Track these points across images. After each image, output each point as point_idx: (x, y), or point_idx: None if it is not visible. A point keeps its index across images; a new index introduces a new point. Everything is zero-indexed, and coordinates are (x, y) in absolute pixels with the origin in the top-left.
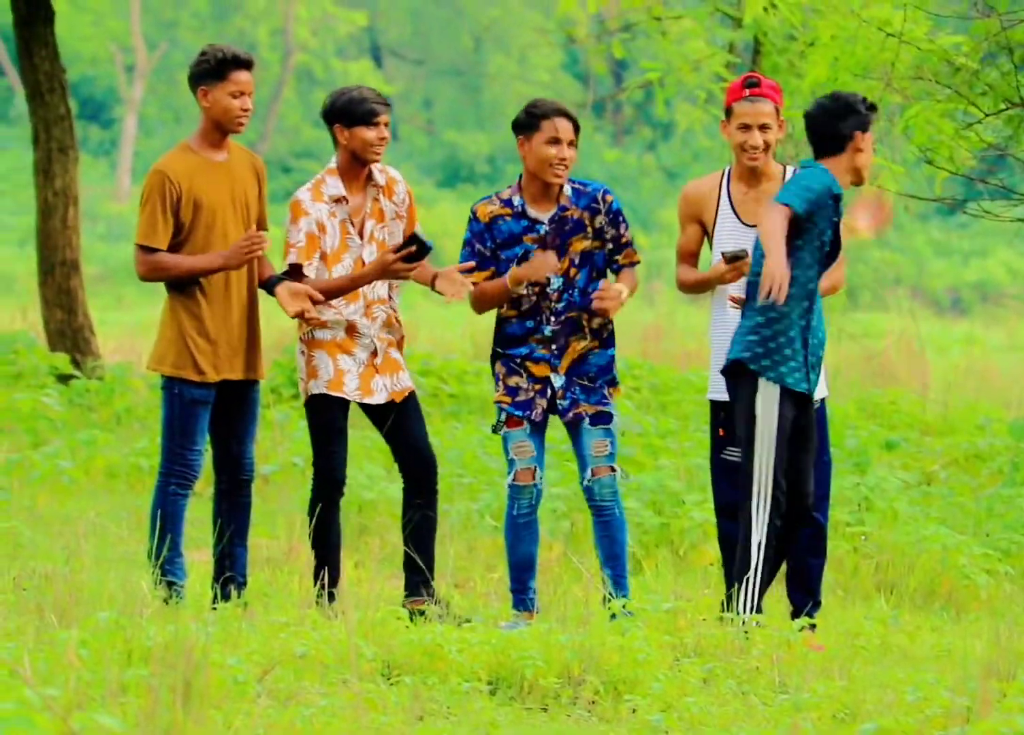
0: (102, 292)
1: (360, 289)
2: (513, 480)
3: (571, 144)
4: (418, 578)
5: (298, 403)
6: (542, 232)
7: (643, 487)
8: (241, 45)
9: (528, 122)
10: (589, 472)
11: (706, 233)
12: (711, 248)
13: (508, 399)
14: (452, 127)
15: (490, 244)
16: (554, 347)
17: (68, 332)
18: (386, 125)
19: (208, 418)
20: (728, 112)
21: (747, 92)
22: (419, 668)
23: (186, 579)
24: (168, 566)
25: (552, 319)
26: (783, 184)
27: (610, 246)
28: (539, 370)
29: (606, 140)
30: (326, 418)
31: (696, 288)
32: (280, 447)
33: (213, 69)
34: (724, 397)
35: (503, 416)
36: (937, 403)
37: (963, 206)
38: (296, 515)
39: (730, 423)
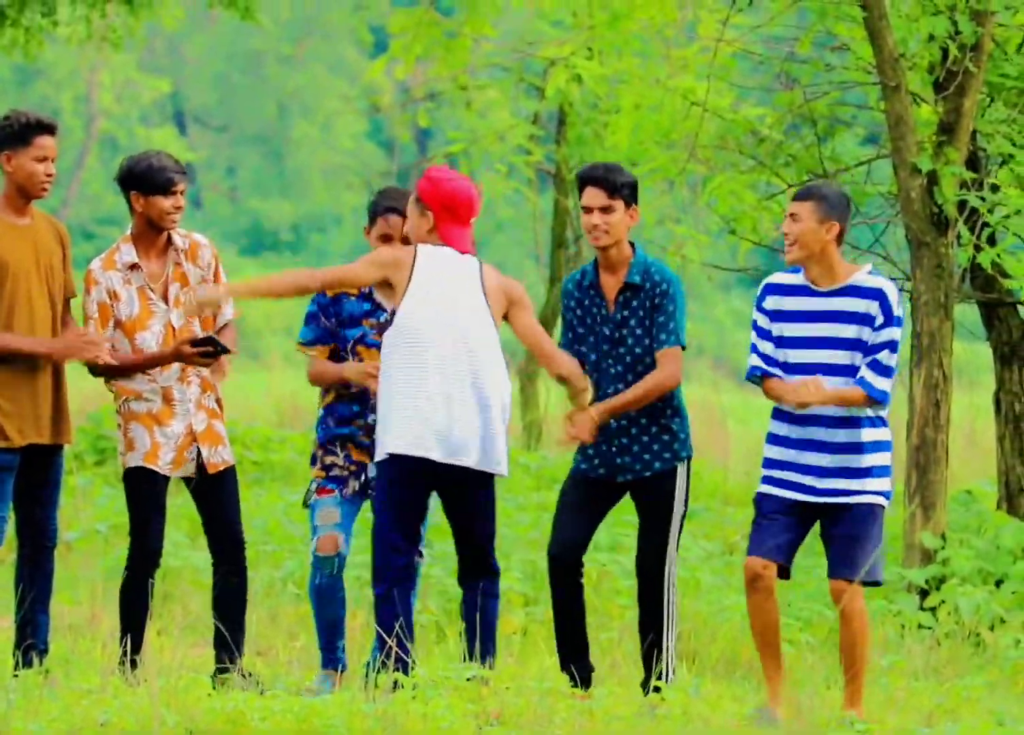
0: None
1: None
2: (316, 550)
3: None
4: (228, 647)
5: (102, 469)
6: (382, 319)
7: (448, 555)
8: (44, 111)
9: (372, 211)
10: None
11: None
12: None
13: (323, 474)
14: (256, 194)
15: (332, 320)
16: (372, 438)
17: None
18: (182, 193)
19: (12, 483)
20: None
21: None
22: None
23: None
24: None
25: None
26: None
27: None
28: (358, 455)
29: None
30: (143, 491)
31: None
32: (83, 513)
33: (16, 134)
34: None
35: (313, 486)
36: (738, 473)
37: (765, 277)
38: (99, 582)
39: None
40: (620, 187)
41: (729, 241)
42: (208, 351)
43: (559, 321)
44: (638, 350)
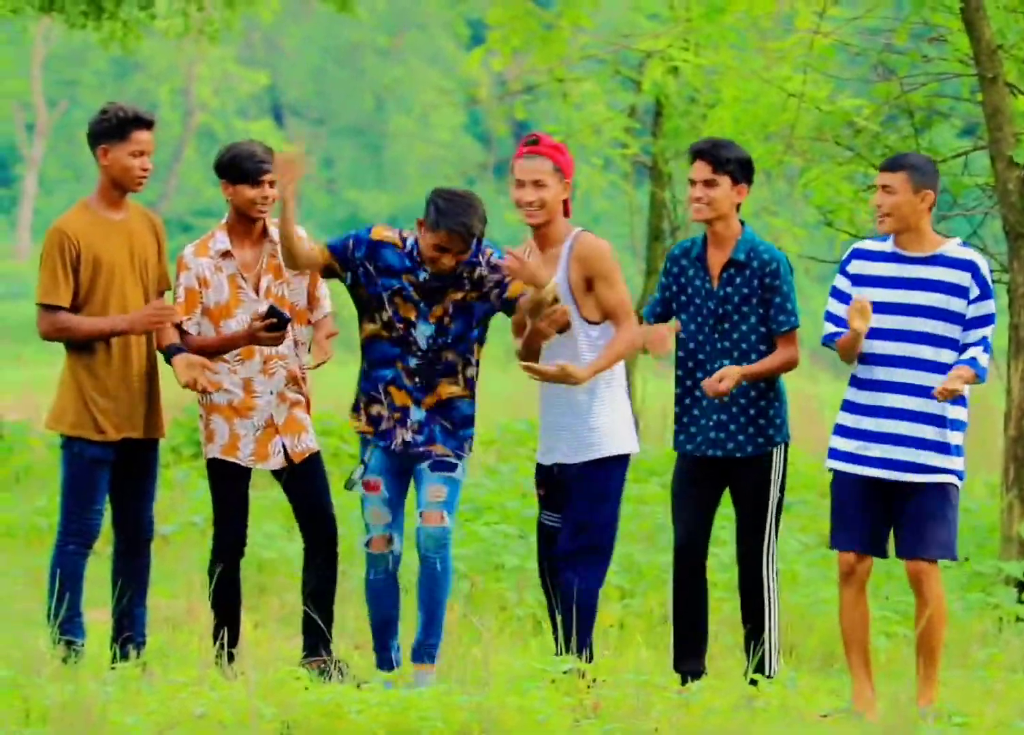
0: (0, 350)
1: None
2: (367, 547)
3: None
4: (316, 639)
5: (198, 463)
6: (421, 278)
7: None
8: (142, 104)
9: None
10: (419, 516)
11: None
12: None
13: (371, 429)
14: (353, 186)
15: (368, 264)
16: (417, 380)
17: None
18: (271, 184)
19: (108, 477)
20: (511, 171)
21: (524, 150)
22: (318, 729)
23: (85, 638)
24: (67, 625)
25: (418, 354)
26: (563, 248)
27: (495, 290)
28: (400, 398)
29: (507, 201)
30: (224, 482)
31: (526, 353)
32: (180, 506)
33: (114, 128)
34: (546, 460)
35: (359, 474)
36: None
37: None
38: (195, 575)
39: (540, 485)
40: (726, 162)
41: (826, 233)
42: (273, 323)
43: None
44: (744, 327)
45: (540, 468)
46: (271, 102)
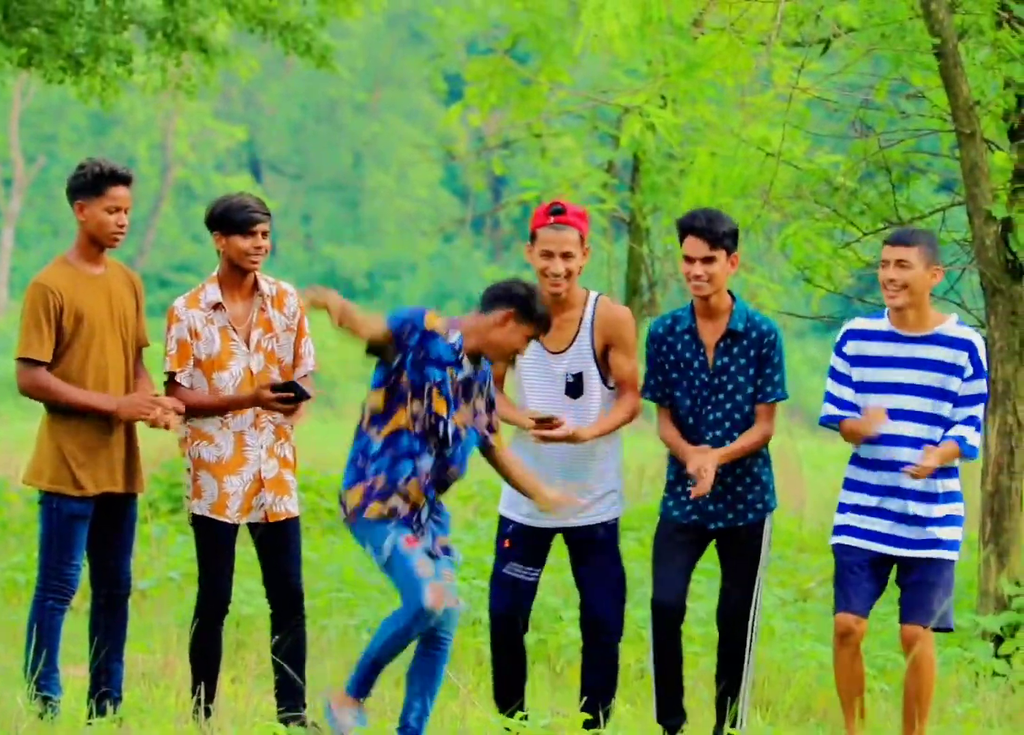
0: None
1: None
2: (425, 602)
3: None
4: (292, 699)
5: (176, 517)
6: (459, 376)
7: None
8: (120, 159)
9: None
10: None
11: (511, 359)
12: (512, 371)
13: (390, 517)
14: (331, 242)
15: (419, 352)
16: (429, 479)
17: None
18: (264, 234)
19: (86, 532)
20: (532, 237)
21: (552, 219)
22: None
23: (61, 694)
24: (43, 681)
25: (434, 452)
26: (584, 311)
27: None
28: (415, 495)
29: (484, 256)
30: (212, 541)
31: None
32: (157, 562)
33: (90, 184)
34: (514, 516)
35: (400, 539)
36: (813, 520)
37: (840, 324)
38: (173, 629)
39: (515, 537)
40: (722, 237)
41: (804, 289)
42: (288, 397)
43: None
44: (738, 397)
45: (522, 527)
46: (249, 157)
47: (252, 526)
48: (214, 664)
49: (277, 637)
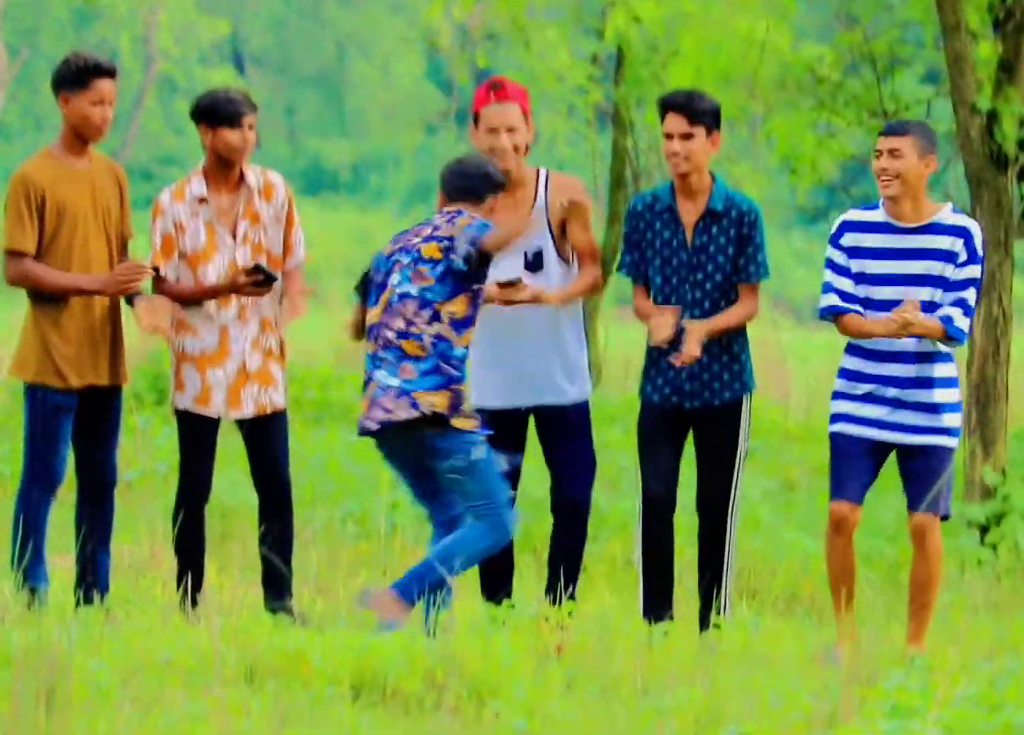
0: None
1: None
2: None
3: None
4: (279, 589)
5: (161, 409)
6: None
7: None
8: (103, 53)
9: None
10: None
11: None
12: None
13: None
14: (315, 135)
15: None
16: None
17: None
18: (251, 127)
19: (71, 424)
20: (476, 119)
21: (492, 96)
22: (282, 673)
23: (48, 585)
24: (30, 571)
25: None
26: (536, 188)
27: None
28: None
29: (468, 149)
30: (193, 432)
31: None
32: (142, 453)
33: (74, 77)
34: (487, 403)
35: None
36: (798, 411)
37: (825, 215)
38: (159, 521)
39: (491, 427)
40: (701, 114)
41: (789, 180)
42: (258, 279)
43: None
44: (718, 277)
45: (496, 414)
46: (232, 50)
47: (239, 421)
48: (198, 554)
49: (264, 528)
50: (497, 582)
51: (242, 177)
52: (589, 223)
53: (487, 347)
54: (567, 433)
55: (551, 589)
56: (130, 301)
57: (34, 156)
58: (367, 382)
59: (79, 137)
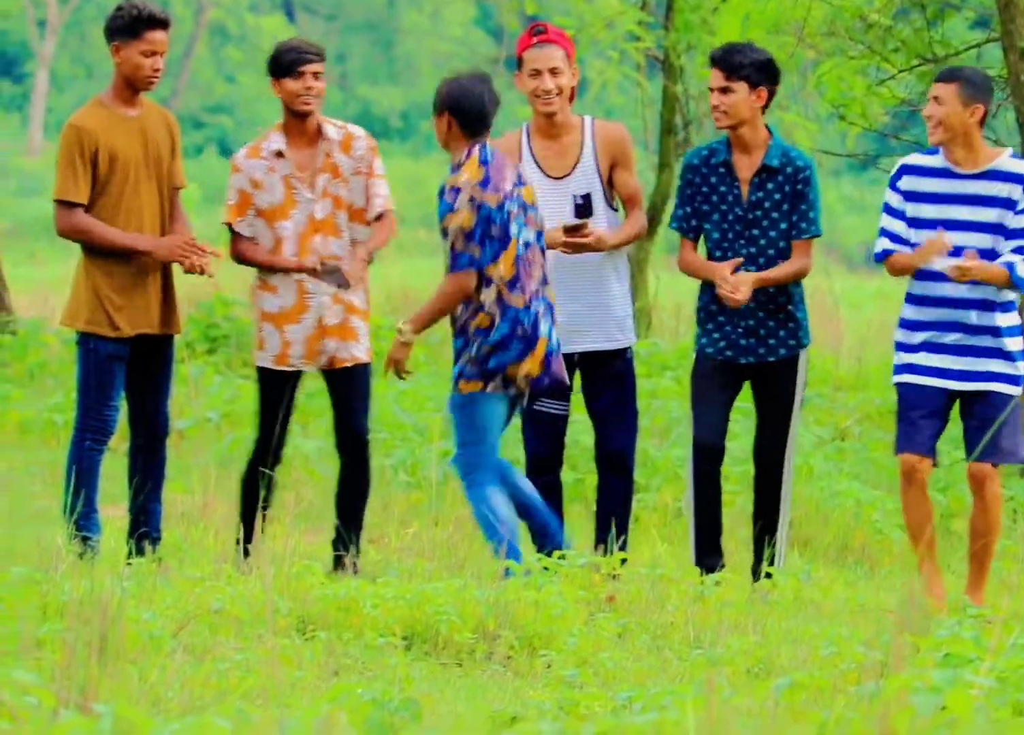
0: (14, 247)
1: (313, 245)
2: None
3: None
4: (344, 540)
5: (213, 358)
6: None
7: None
8: (154, 1)
9: None
10: None
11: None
12: None
13: None
14: (365, 82)
15: None
16: None
17: None
18: (315, 75)
19: (123, 373)
20: (519, 63)
21: (535, 40)
22: (334, 623)
23: (100, 535)
24: (83, 521)
25: None
26: (583, 134)
27: None
28: None
29: (518, 96)
30: (273, 391)
31: None
32: (195, 402)
33: (127, 26)
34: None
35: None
36: (851, 359)
37: (876, 162)
38: (211, 470)
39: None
40: (739, 67)
41: (839, 127)
42: (330, 280)
43: (671, 200)
44: (772, 233)
45: None
46: None
47: (323, 372)
48: (255, 506)
49: (341, 480)
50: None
51: (320, 130)
52: (634, 169)
53: None
54: (610, 381)
55: (601, 540)
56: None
57: (86, 105)
58: (527, 336)
59: (130, 86)
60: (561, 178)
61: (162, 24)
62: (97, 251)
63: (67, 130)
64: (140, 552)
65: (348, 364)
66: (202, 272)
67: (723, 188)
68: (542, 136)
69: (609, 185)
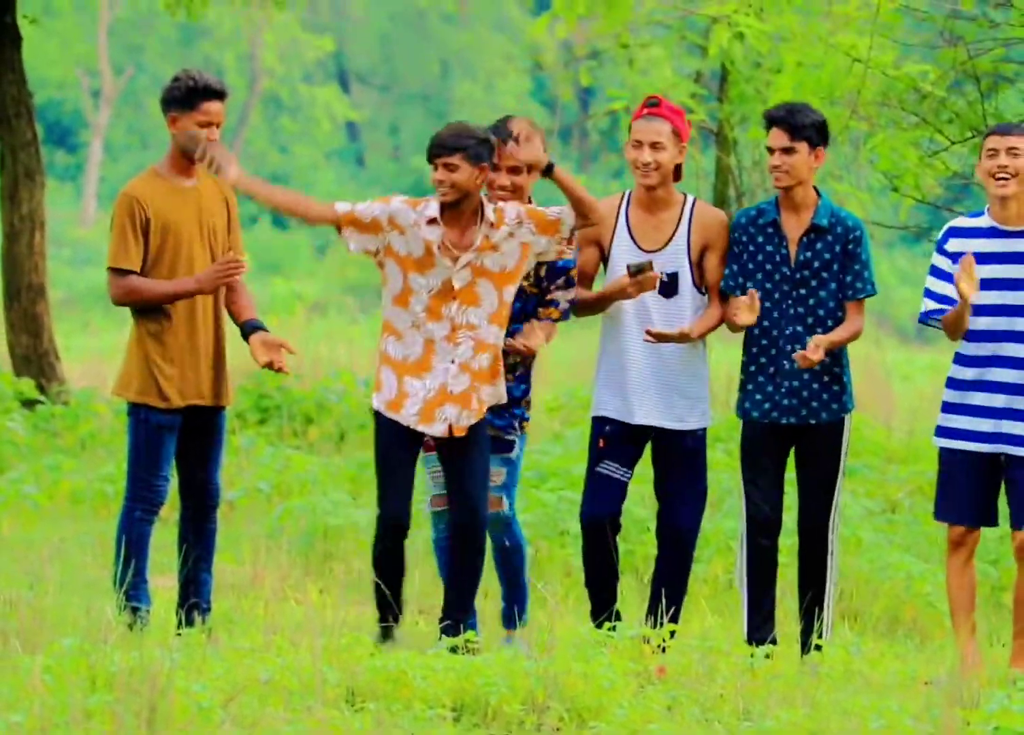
0: (68, 317)
1: (446, 311)
2: (430, 506)
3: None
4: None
5: (264, 429)
6: None
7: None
8: (208, 70)
9: None
10: None
11: (603, 256)
12: (604, 271)
13: None
14: (419, 153)
15: None
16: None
17: (33, 357)
18: (447, 167)
19: (174, 444)
20: (629, 131)
21: (645, 111)
22: (383, 695)
23: (150, 605)
24: (133, 592)
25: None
26: (682, 212)
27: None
28: None
29: (572, 167)
30: (384, 436)
31: (593, 307)
32: (245, 472)
33: (184, 97)
34: (607, 413)
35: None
36: (901, 431)
37: (928, 234)
38: (261, 540)
39: (612, 437)
40: (803, 128)
41: (891, 198)
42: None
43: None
44: (822, 293)
45: (617, 424)
46: (337, 68)
47: (437, 440)
48: (396, 581)
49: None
50: (602, 601)
51: (479, 212)
52: (725, 256)
53: (617, 363)
54: (680, 459)
55: (652, 611)
56: (245, 336)
57: (141, 174)
58: None
59: (186, 156)
60: (652, 252)
61: (219, 95)
62: (150, 318)
63: (121, 198)
64: (190, 623)
65: (464, 432)
66: (280, 370)
67: (770, 248)
68: (640, 207)
69: (699, 268)
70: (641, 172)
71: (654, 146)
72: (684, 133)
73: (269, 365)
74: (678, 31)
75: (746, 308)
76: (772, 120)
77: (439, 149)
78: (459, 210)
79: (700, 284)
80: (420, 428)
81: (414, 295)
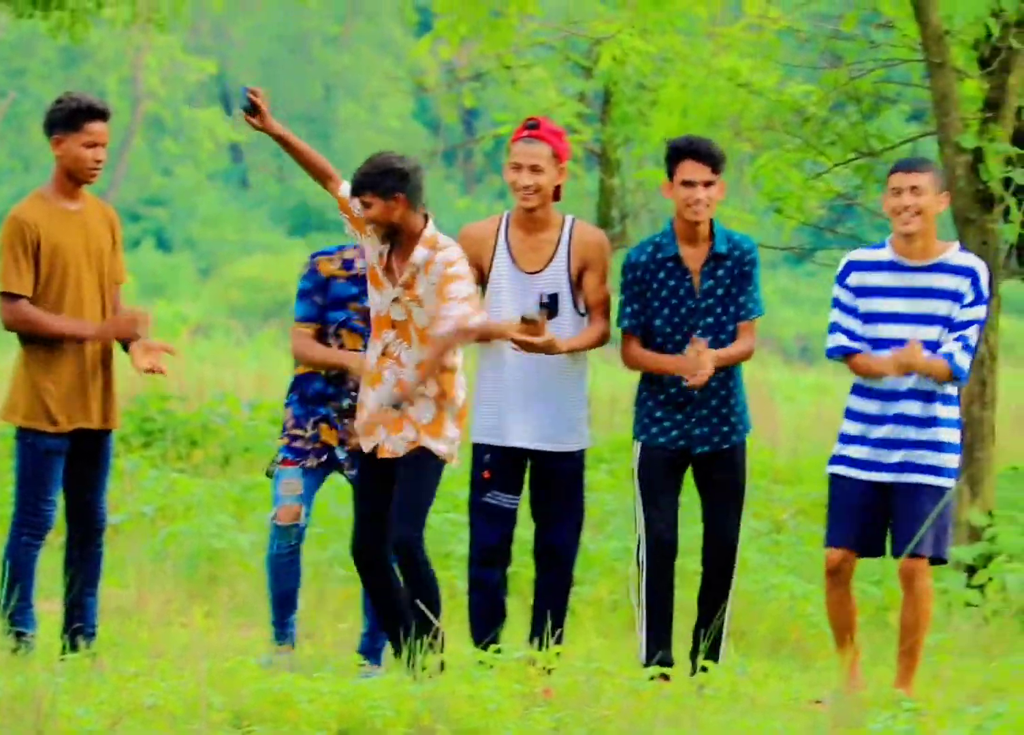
0: None
1: (384, 335)
2: (274, 518)
3: None
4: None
5: (148, 452)
6: (366, 304)
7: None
8: (90, 93)
9: None
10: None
11: (482, 277)
12: (483, 293)
13: (285, 441)
14: (303, 175)
15: (321, 299)
16: (346, 421)
17: None
18: (366, 205)
19: (61, 468)
20: (509, 153)
21: (525, 134)
22: (269, 718)
23: (35, 629)
24: (17, 616)
25: (353, 394)
26: (561, 233)
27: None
28: (327, 436)
29: (456, 189)
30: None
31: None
32: (129, 496)
33: (67, 118)
34: (488, 440)
35: (279, 457)
36: (786, 451)
37: (812, 255)
38: (146, 564)
39: (495, 466)
40: (720, 161)
41: (775, 220)
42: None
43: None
44: (723, 318)
45: (497, 451)
46: (219, 90)
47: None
48: (392, 610)
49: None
50: (486, 626)
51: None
52: (606, 277)
53: (494, 384)
54: (559, 481)
55: (536, 633)
56: (125, 346)
57: (27, 198)
58: None
59: (71, 179)
60: (532, 273)
61: (102, 115)
62: (38, 343)
63: (8, 222)
64: (75, 647)
65: (387, 455)
66: (162, 372)
67: (672, 282)
68: (520, 228)
69: (579, 288)
70: (521, 194)
71: (533, 169)
72: (563, 154)
73: (150, 370)
74: (562, 52)
75: (703, 364)
76: (692, 153)
77: (354, 188)
78: (396, 239)
79: (578, 305)
80: (362, 441)
81: (373, 307)
